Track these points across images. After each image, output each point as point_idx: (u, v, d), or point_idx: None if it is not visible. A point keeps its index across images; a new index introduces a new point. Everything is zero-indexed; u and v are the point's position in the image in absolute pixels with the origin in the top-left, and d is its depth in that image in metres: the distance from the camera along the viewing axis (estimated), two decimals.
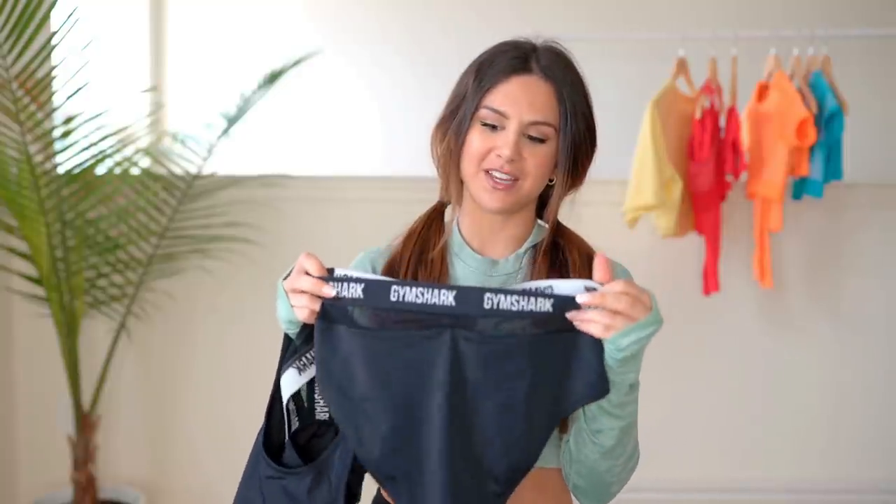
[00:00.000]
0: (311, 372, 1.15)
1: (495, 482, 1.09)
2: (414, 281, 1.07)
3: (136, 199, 2.78)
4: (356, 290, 1.07)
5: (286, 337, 1.18)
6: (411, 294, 1.05)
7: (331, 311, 1.08)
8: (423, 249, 1.29)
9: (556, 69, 1.22)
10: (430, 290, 1.05)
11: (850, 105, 2.91)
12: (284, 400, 1.15)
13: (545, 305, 1.04)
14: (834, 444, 3.15)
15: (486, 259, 1.27)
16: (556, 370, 1.07)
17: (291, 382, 1.15)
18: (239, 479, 1.25)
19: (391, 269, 1.29)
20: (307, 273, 1.11)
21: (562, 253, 1.26)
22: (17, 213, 2.54)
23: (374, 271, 1.30)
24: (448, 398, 1.06)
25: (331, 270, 1.11)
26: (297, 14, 3.85)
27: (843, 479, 3.13)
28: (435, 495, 1.06)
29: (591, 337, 1.05)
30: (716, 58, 2.90)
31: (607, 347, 1.07)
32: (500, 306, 1.04)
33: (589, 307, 1.05)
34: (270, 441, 1.18)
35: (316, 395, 1.18)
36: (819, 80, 2.86)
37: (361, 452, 1.10)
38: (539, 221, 1.31)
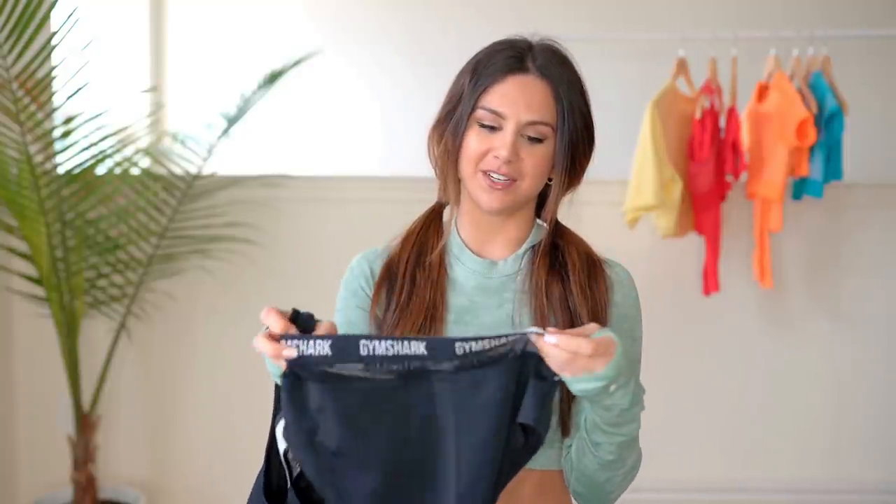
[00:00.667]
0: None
1: None
2: (381, 335, 1.04)
3: (136, 199, 2.78)
4: (323, 348, 1.01)
5: (277, 386, 1.11)
6: (381, 347, 1.02)
7: (296, 370, 1.03)
8: (421, 251, 1.28)
9: (553, 67, 1.20)
10: (401, 343, 1.02)
11: (850, 105, 2.91)
12: (281, 451, 1.10)
13: (513, 336, 1.02)
14: (834, 444, 3.15)
15: (485, 261, 1.26)
16: (518, 392, 1.04)
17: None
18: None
19: (389, 270, 1.28)
20: (269, 334, 1.04)
21: (561, 254, 1.25)
22: (17, 213, 2.54)
23: (371, 274, 1.29)
24: (429, 439, 1.03)
25: (295, 314, 1.06)
26: (297, 14, 3.85)
27: (844, 479, 3.13)
28: None
29: (539, 372, 1.02)
30: (716, 58, 2.90)
31: (584, 398, 1.06)
32: (473, 349, 1.01)
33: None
34: (270, 487, 1.12)
35: None
36: (819, 81, 2.86)
37: None
38: (538, 221, 1.30)
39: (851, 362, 3.13)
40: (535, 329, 1.03)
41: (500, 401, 1.02)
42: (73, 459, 2.73)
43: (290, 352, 1.01)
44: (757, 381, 3.15)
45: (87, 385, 2.84)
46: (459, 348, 1.01)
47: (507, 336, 1.02)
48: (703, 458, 3.16)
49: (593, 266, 1.26)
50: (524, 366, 1.03)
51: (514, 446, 1.05)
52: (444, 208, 1.32)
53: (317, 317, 1.09)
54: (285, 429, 1.04)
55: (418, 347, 1.01)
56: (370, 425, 1.03)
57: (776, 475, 3.15)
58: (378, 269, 1.29)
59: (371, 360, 1.01)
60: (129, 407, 3.06)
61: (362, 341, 1.01)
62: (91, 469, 2.74)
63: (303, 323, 1.06)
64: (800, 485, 3.13)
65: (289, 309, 1.08)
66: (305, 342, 1.01)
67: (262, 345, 1.03)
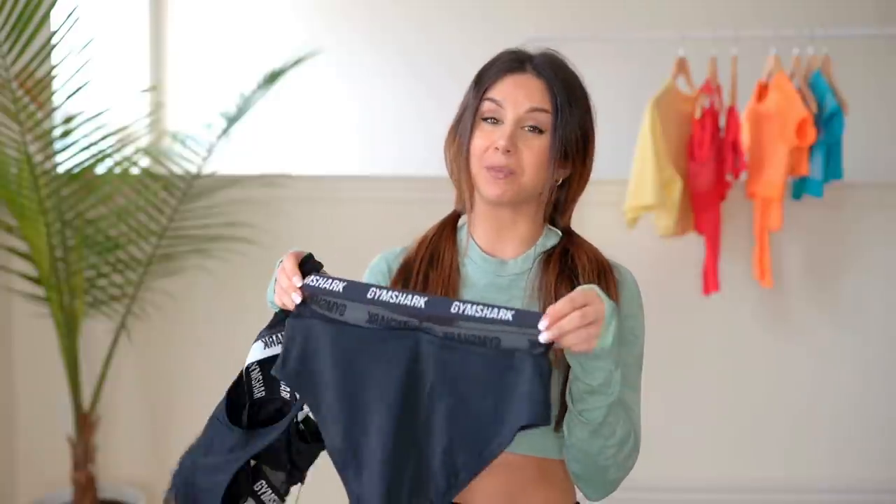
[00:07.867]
0: (276, 350, 1.23)
1: (438, 481, 1.10)
2: (391, 287, 1.18)
3: (136, 199, 2.78)
4: (337, 286, 1.14)
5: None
6: (387, 295, 1.12)
7: (303, 310, 1.16)
8: (434, 253, 1.33)
9: (550, 69, 1.28)
10: (404, 295, 1.12)
11: (850, 105, 2.91)
12: (245, 363, 1.26)
13: (506, 315, 1.08)
14: (833, 444, 3.15)
15: (496, 259, 1.31)
16: (503, 388, 1.08)
17: (255, 352, 1.26)
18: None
19: (405, 269, 1.33)
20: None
21: (571, 258, 1.29)
22: (17, 213, 2.54)
23: (389, 272, 1.35)
24: (402, 394, 1.11)
25: (318, 267, 1.19)
26: (298, 13, 3.85)
27: (844, 479, 3.13)
28: (374, 487, 1.10)
29: (537, 364, 1.06)
30: (716, 58, 2.90)
31: (576, 363, 1.10)
32: (466, 312, 1.09)
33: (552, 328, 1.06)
34: (233, 403, 1.26)
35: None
36: (819, 80, 2.86)
37: (325, 437, 1.15)
38: (548, 226, 1.34)
39: (851, 362, 3.13)
40: (532, 333, 1.06)
41: (475, 382, 1.08)
42: (73, 459, 2.73)
43: (298, 296, 1.15)
44: (757, 380, 3.15)
45: (86, 385, 2.84)
46: (454, 307, 1.09)
47: (498, 307, 1.08)
48: (703, 458, 3.16)
49: (603, 270, 1.29)
50: (503, 356, 1.07)
51: (495, 430, 1.09)
52: (460, 218, 1.38)
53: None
54: (282, 360, 1.16)
55: (418, 301, 1.11)
56: (355, 368, 1.13)
57: (776, 475, 3.14)
58: (396, 267, 1.35)
59: (375, 304, 1.12)
60: (129, 407, 3.06)
61: (372, 287, 1.14)
62: (91, 469, 2.74)
63: (311, 266, 1.19)
64: (799, 485, 3.13)
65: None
66: (323, 278, 1.15)
67: (280, 277, 1.18)
